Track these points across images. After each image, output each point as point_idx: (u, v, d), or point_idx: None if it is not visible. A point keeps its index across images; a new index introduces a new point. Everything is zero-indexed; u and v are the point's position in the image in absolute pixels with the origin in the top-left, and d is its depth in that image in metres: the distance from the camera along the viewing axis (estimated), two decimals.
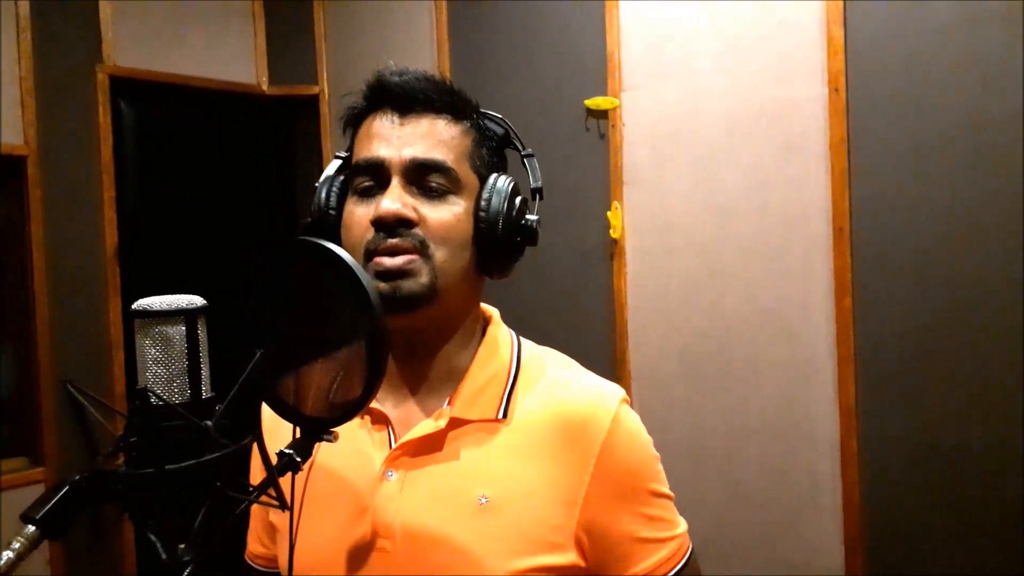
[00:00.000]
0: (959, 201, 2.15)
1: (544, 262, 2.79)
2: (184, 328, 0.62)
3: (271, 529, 0.99)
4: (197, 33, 3.30)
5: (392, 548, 0.84)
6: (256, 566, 1.04)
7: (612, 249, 2.73)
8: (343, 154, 0.94)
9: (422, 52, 3.13)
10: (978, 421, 2.14)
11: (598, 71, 2.73)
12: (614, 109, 2.70)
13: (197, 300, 0.64)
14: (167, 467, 0.59)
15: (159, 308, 0.62)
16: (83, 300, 2.95)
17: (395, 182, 0.84)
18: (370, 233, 0.84)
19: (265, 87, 3.49)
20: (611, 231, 2.71)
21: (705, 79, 2.54)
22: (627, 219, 2.71)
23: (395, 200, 0.83)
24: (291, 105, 3.54)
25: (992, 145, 2.10)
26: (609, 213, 2.72)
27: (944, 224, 2.18)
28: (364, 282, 0.67)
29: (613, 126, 2.71)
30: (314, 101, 3.51)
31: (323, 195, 0.91)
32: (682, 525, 0.92)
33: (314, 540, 0.87)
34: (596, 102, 2.72)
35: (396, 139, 0.86)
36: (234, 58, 3.41)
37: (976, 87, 2.12)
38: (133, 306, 0.62)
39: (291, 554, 0.80)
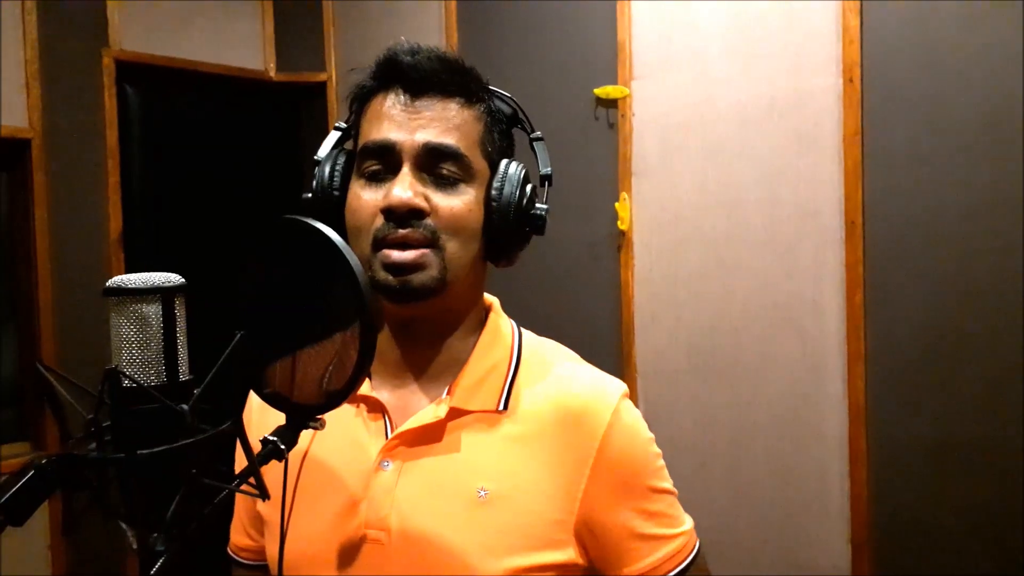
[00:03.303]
0: (975, 196, 2.11)
1: (550, 253, 2.76)
2: (160, 307, 0.59)
3: (259, 520, 0.96)
4: (204, 18, 3.27)
5: (387, 540, 0.82)
6: (240, 559, 1.01)
7: (619, 241, 2.70)
8: (343, 124, 0.92)
9: (431, 38, 3.09)
10: (990, 420, 2.10)
11: (608, 59, 2.69)
12: (624, 98, 2.66)
13: (174, 278, 0.61)
14: (139, 452, 0.56)
15: (134, 286, 0.59)
16: (87, 285, 2.93)
17: (406, 169, 0.82)
18: (379, 220, 0.81)
19: (273, 73, 3.47)
20: (619, 223, 2.68)
21: (717, 69, 2.49)
22: (635, 211, 2.67)
23: (407, 189, 0.81)
24: (299, 92, 3.52)
25: (1010, 139, 2.05)
26: (617, 204, 2.68)
27: (959, 220, 2.13)
28: (353, 265, 0.65)
29: (623, 116, 2.67)
30: (322, 88, 3.48)
31: (326, 173, 0.88)
32: (687, 522, 0.90)
33: (306, 532, 0.85)
34: (606, 91, 2.68)
35: (408, 122, 0.83)
36: (241, 44, 3.39)
37: (994, 79, 2.07)
38: (107, 284, 0.60)
39: (281, 546, 0.78)
